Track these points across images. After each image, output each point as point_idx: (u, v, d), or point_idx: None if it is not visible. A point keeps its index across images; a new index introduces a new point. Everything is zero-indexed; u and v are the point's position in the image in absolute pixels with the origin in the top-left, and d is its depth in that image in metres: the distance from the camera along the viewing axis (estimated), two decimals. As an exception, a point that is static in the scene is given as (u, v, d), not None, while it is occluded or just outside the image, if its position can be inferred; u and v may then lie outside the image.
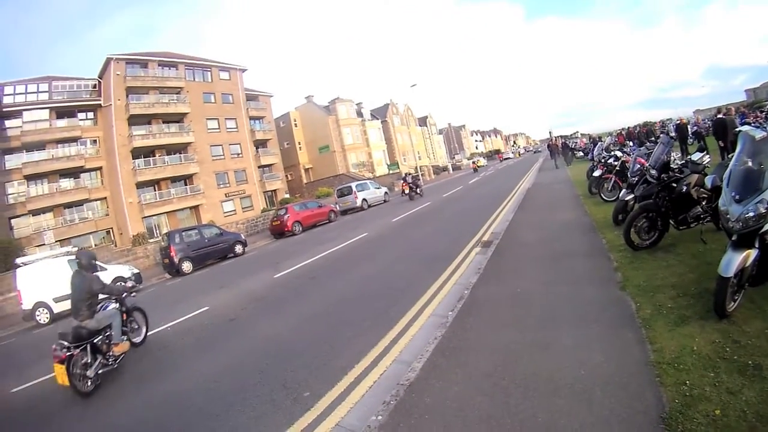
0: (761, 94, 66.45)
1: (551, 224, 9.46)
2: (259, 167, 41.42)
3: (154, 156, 33.76)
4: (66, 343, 5.56)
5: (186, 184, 35.50)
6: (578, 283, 5.52)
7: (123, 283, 10.65)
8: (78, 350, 5.64)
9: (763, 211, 3.63)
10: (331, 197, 33.83)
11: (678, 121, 21.44)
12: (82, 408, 5.41)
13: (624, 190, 8.04)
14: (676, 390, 3.14)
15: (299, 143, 54.88)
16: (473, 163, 55.57)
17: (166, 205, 33.52)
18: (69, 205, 30.66)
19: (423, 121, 77.74)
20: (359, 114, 58.97)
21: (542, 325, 4.56)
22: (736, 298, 3.84)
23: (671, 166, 6.24)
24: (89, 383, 5.65)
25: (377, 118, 62.39)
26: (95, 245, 29.62)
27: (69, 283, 6.20)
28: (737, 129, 4.33)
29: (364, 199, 28.32)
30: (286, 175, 48.88)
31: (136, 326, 7.36)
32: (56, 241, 27.77)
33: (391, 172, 51.00)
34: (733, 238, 3.81)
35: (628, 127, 35.60)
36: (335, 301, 7.46)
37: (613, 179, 10.85)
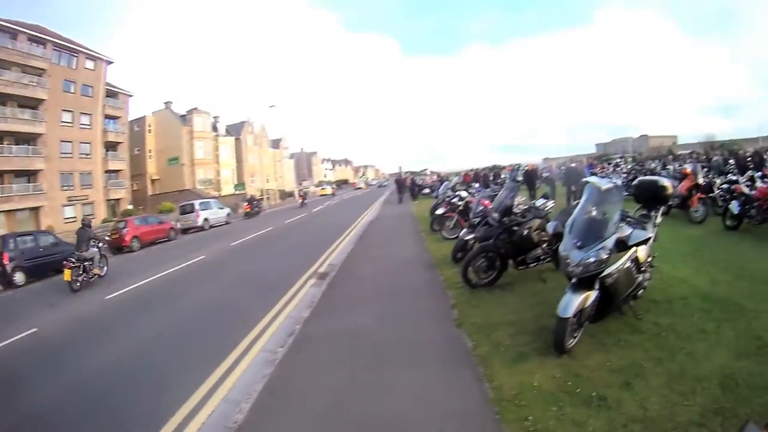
0: (610, 149, 78.88)
1: (390, 259, 9.75)
2: (105, 172, 38.44)
3: (1, 143, 29.79)
4: (73, 261, 11.41)
5: (30, 182, 31.70)
6: (414, 321, 5.59)
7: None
8: (77, 265, 11.41)
9: (605, 257, 4.04)
10: (174, 213, 31.74)
11: (527, 167, 23.46)
12: None
13: (465, 230, 8.40)
14: (518, 426, 3.15)
15: (150, 151, 50.98)
16: (300, 195, 45.13)
17: (5, 202, 29.76)
18: None
19: (276, 144, 77.71)
20: (214, 128, 57.03)
21: (376, 363, 4.50)
22: (576, 335, 4.14)
23: (514, 210, 6.72)
24: (78, 285, 11.32)
25: (232, 135, 60.81)
26: None
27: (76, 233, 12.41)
28: (585, 179, 5.00)
29: (206, 219, 27.83)
30: (132, 185, 45.04)
31: (103, 265, 13.10)
32: None
33: (237, 192, 50.66)
34: (573, 281, 4.15)
35: (476, 169, 38.58)
36: (165, 330, 7.14)
37: (455, 218, 11.46)
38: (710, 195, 11.09)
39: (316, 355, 4.98)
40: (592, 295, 4.04)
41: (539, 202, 7.50)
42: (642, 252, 4.63)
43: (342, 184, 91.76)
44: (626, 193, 9.07)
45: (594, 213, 4.52)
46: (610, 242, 4.11)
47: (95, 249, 12.45)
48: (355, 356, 4.76)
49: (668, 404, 3.23)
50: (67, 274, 11.22)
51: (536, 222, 6.59)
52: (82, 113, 36.22)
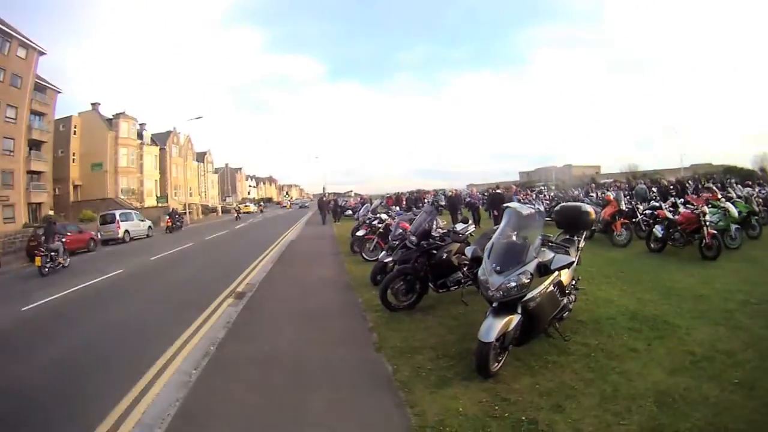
0: (535, 177, 79.15)
1: (309, 280, 9.72)
2: (27, 173, 35.74)
3: None
4: (43, 250, 14.06)
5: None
6: (333, 344, 5.50)
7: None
8: (46, 254, 14.09)
9: (526, 281, 4.05)
10: (94, 223, 30.00)
11: (450, 193, 24.46)
12: None
13: (384, 252, 8.49)
14: (444, 454, 2.89)
15: (74, 154, 47.80)
16: (236, 210, 49.46)
17: None
18: None
19: (201, 157, 75.48)
20: (140, 135, 54.22)
21: (293, 388, 4.36)
22: (500, 358, 4.12)
23: (432, 233, 6.83)
24: (46, 270, 13.80)
25: (157, 144, 58.06)
26: None
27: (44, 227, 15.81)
28: (505, 204, 5.08)
29: (127, 231, 26.96)
30: (54, 189, 41.90)
31: (66, 257, 15.47)
32: None
33: (159, 204, 48.70)
34: (494, 305, 4.13)
35: (399, 192, 38.91)
36: (79, 346, 6.69)
37: (375, 240, 11.56)
38: (633, 220, 11.88)
39: (232, 378, 4.79)
40: (515, 318, 4.05)
41: (459, 226, 7.69)
42: (565, 276, 4.74)
43: (266, 202, 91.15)
44: (548, 218, 9.59)
45: (514, 238, 4.59)
46: (531, 266, 4.17)
47: (60, 243, 14.98)
48: (271, 380, 4.60)
49: (603, 425, 3.18)
50: (37, 261, 13.83)
51: (455, 246, 6.75)
52: (8, 105, 33.69)
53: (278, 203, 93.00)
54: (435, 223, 7.20)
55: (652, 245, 10.04)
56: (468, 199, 21.79)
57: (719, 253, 8.72)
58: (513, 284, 4.03)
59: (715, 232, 9.00)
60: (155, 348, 6.01)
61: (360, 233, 12.63)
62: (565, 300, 4.83)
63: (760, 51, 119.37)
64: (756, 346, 4.51)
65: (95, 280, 12.38)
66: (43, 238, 14.98)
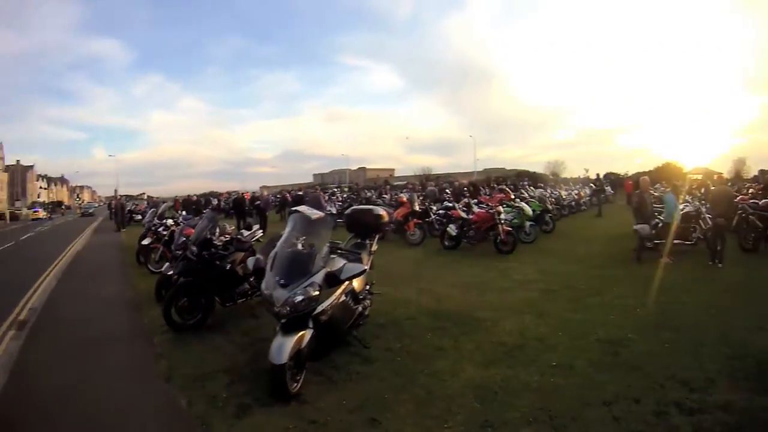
0: (328, 179, 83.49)
1: (94, 299, 9.15)
2: None
3: None
4: None
5: None
6: (118, 378, 5.06)
7: None
8: None
9: (314, 294, 3.93)
10: None
11: (244, 194, 23.98)
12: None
13: (168, 263, 8.18)
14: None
15: None
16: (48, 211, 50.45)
17: None
18: None
19: None
20: None
21: None
22: (299, 377, 3.99)
23: (215, 242, 6.72)
24: None
25: None
26: None
27: None
28: (293, 208, 4.87)
29: None
30: None
31: None
32: None
33: None
34: (283, 321, 3.94)
35: (188, 195, 37.29)
36: None
37: (160, 249, 11.09)
38: (427, 220, 12.92)
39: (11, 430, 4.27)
40: (308, 334, 3.96)
41: (246, 232, 7.79)
42: (358, 282, 4.75)
43: (57, 207, 78.60)
44: (340, 221, 9.80)
45: (300, 246, 4.44)
46: (318, 277, 4.09)
47: None
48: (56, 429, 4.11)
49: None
50: None
51: (240, 255, 6.75)
52: None
53: (68, 207, 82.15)
54: (217, 230, 7.07)
55: (446, 243, 10.97)
56: (257, 202, 21.28)
57: (515, 247, 9.92)
58: (300, 298, 3.90)
59: (510, 229, 10.23)
60: None
61: (145, 242, 11.92)
62: (360, 307, 4.88)
63: (550, 67, 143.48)
64: (565, 329, 5.04)
65: None
66: None
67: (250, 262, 5.88)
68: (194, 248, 6.54)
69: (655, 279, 7.16)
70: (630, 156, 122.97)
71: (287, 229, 4.57)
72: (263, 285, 4.24)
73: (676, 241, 8.94)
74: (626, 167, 61.85)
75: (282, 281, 4.02)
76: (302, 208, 4.84)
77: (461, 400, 3.49)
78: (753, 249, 9.29)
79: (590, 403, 3.40)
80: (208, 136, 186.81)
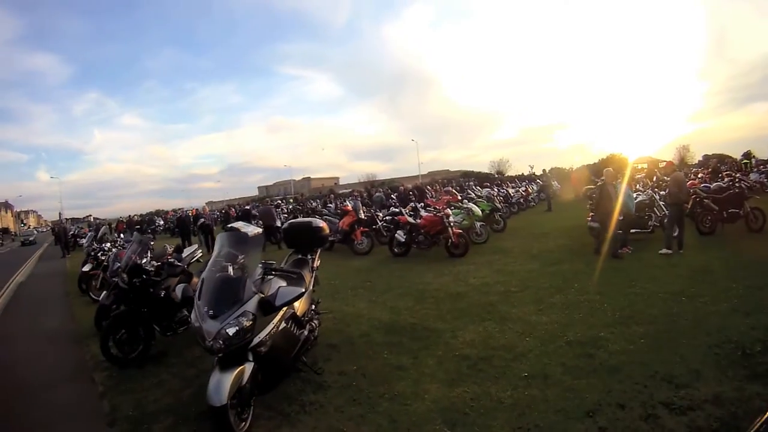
0: (273, 191, 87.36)
1: (33, 335, 8.72)
2: None
3: None
4: None
5: None
6: (57, 423, 4.77)
7: None
8: None
9: (247, 324, 3.55)
10: None
11: (180, 213, 23.84)
12: None
13: (105, 292, 7.79)
14: None
15: None
16: None
17: None
18: None
19: None
20: None
21: None
22: (246, 416, 3.67)
23: (146, 267, 6.38)
24: None
25: None
26: None
27: None
28: (230, 225, 4.50)
29: None
30: None
31: None
32: None
33: None
34: (219, 356, 3.60)
35: (131, 215, 37.03)
36: None
37: (101, 276, 10.56)
38: (374, 227, 12.75)
39: None
40: (248, 368, 3.59)
41: (186, 253, 7.51)
42: (300, 304, 4.44)
43: (3, 233, 74.84)
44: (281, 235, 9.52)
45: (230, 269, 4.03)
46: (251, 305, 3.68)
47: None
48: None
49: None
50: None
51: (174, 280, 6.44)
52: None
53: (14, 234, 79.14)
54: (148, 253, 6.80)
55: (395, 250, 10.78)
56: (202, 220, 20.59)
57: (467, 249, 9.79)
58: (233, 331, 3.50)
59: (460, 231, 10.13)
60: None
61: (86, 268, 11.40)
62: (306, 331, 4.55)
63: (487, 69, 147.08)
64: (531, 333, 4.84)
65: None
66: None
67: (179, 289, 5.63)
68: (124, 276, 6.29)
69: (617, 270, 7.13)
70: (572, 151, 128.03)
71: (215, 251, 4.19)
72: (192, 316, 3.84)
73: (633, 231, 9.09)
74: (570, 162, 64.57)
75: (211, 312, 3.65)
76: (238, 224, 4.48)
77: (429, 427, 3.24)
78: (710, 232, 9.57)
79: (572, 415, 3.18)
80: (151, 153, 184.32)
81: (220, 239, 4.30)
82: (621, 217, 8.65)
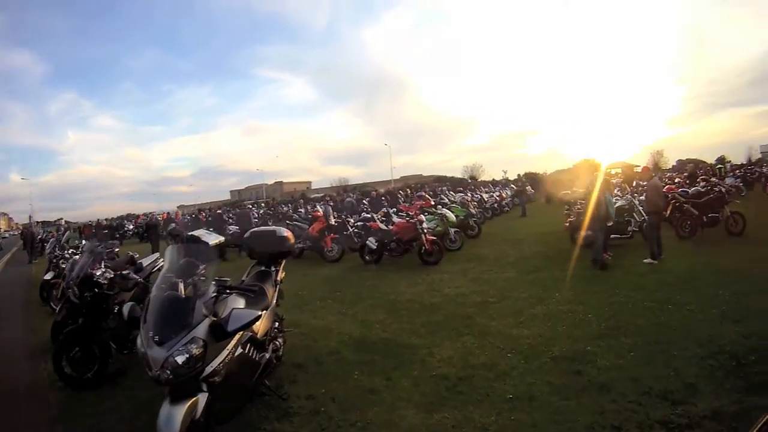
0: (245, 195, 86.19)
1: None
2: None
3: None
4: None
5: None
6: None
7: None
8: None
9: (197, 352, 3.16)
10: None
11: (151, 217, 23.15)
12: None
13: (61, 304, 7.44)
14: None
15: None
16: None
17: None
18: None
19: None
20: None
21: None
22: None
23: (100, 280, 5.98)
24: None
25: None
26: None
27: None
28: (190, 234, 4.14)
29: None
30: None
31: None
32: None
33: None
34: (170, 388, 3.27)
35: (99, 220, 36.66)
36: None
37: (62, 285, 9.89)
38: (345, 233, 12.48)
39: None
40: (201, 399, 3.23)
41: (147, 261, 7.21)
42: (261, 323, 4.03)
43: None
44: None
45: (181, 287, 3.51)
46: (201, 330, 3.27)
47: None
48: None
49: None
50: None
51: (128, 294, 6.17)
52: None
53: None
54: (102, 264, 6.34)
55: (367, 257, 10.54)
56: (172, 225, 20.03)
57: (441, 257, 9.63)
58: (181, 359, 3.13)
59: (434, 237, 9.98)
60: None
61: (48, 276, 10.90)
62: (268, 354, 4.19)
63: (461, 75, 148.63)
64: (513, 349, 4.63)
65: None
66: None
67: (126, 308, 5.32)
68: (75, 289, 5.96)
69: (598, 278, 7.02)
70: (545, 157, 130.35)
71: (165, 266, 3.77)
72: (138, 341, 3.41)
73: (613, 236, 9.03)
74: (544, 167, 65.95)
75: (156, 338, 3.25)
76: (199, 232, 4.10)
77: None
78: (690, 236, 9.62)
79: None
80: (125, 155, 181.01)
81: (168, 253, 3.89)
82: (610, 224, 8.57)
